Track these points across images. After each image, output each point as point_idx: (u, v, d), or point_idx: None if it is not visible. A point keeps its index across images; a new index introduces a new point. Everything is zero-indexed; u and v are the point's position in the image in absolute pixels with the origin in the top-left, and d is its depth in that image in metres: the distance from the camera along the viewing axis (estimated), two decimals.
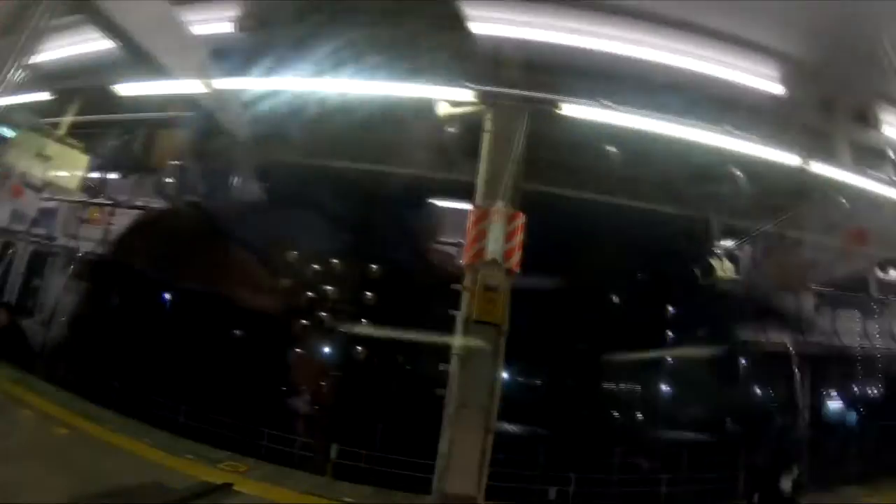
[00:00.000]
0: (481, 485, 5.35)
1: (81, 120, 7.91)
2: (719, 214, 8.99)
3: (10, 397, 9.71)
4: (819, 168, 7.60)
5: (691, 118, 6.76)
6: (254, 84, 7.21)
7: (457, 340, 5.39)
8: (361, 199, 11.63)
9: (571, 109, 6.34)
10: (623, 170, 8.32)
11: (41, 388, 11.27)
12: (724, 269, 8.56)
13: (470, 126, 6.57)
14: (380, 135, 7.97)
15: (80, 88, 7.76)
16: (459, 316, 5.45)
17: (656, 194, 9.07)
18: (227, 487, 7.69)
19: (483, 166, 5.88)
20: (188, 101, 7.83)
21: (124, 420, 10.60)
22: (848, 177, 7.89)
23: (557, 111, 6.29)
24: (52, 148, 7.34)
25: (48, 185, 7.62)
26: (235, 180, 10.21)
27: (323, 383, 13.28)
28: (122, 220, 13.10)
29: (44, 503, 5.49)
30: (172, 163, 9.80)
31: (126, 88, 7.75)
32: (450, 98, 6.33)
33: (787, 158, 7.43)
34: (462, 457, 5.17)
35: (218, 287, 10.17)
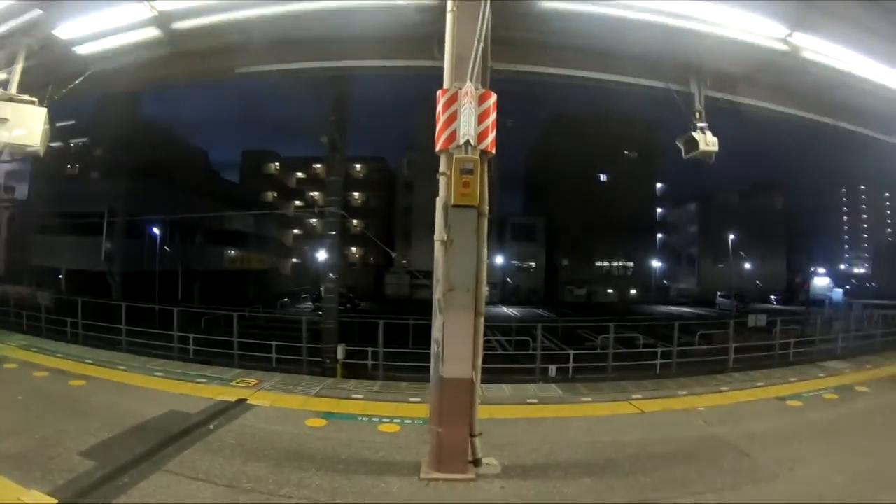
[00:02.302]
0: (476, 366, 5.53)
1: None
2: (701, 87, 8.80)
3: (22, 363, 10.17)
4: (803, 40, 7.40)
5: None
6: None
7: (438, 225, 5.41)
8: None
9: None
10: (598, 44, 8.11)
11: (50, 348, 11.69)
12: (707, 142, 8.46)
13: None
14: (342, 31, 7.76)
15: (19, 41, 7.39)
16: (439, 201, 5.43)
17: (635, 68, 8.88)
18: (240, 403, 8.11)
19: (449, 48, 5.66)
20: None
21: (134, 359, 11.05)
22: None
23: None
24: (6, 108, 7.09)
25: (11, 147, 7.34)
26: None
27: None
28: None
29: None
30: None
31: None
32: None
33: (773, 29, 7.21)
34: (454, 340, 5.31)
35: None
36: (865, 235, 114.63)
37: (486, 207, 5.44)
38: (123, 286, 32.15)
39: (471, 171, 5.11)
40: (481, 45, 5.46)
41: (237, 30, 8.00)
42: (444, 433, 5.40)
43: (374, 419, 7.52)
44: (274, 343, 14.40)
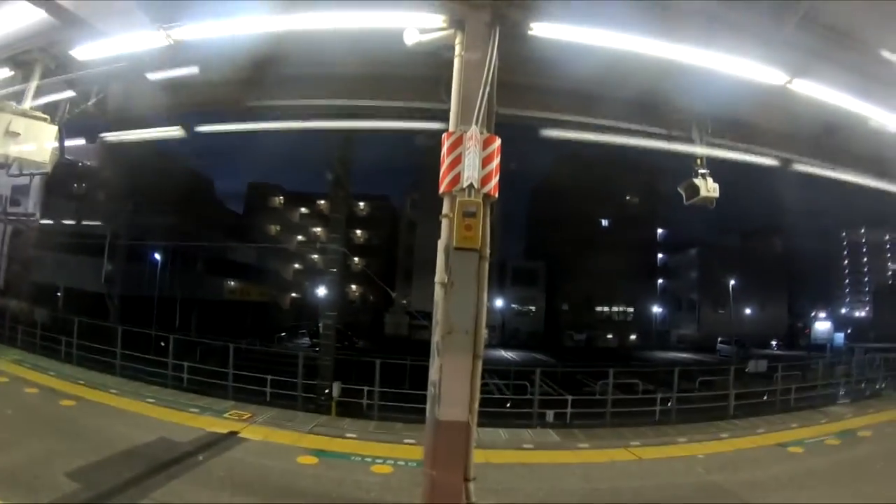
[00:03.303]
0: (473, 409, 5.47)
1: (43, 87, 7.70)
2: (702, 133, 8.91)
3: (14, 377, 10.27)
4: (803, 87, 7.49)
5: (670, 38, 6.62)
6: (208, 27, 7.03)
7: (439, 268, 5.42)
8: None
9: (544, 29, 6.16)
10: (600, 90, 8.25)
11: (43, 365, 11.68)
12: (708, 188, 8.54)
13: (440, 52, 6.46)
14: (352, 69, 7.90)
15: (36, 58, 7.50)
16: (440, 243, 5.46)
17: (635, 114, 9.01)
18: (232, 435, 8.06)
19: (455, 91, 5.76)
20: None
21: (127, 384, 11.02)
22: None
23: (530, 31, 6.14)
24: (19, 123, 7.11)
25: (21, 162, 7.38)
26: None
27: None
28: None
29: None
30: None
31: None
32: (418, 25, 6.13)
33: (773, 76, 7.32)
34: (451, 383, 5.27)
35: None
36: (866, 279, 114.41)
37: (488, 251, 5.45)
38: (121, 309, 32.08)
39: (473, 215, 5.14)
40: (487, 89, 5.56)
41: (250, 62, 8.10)
42: (437, 476, 5.30)
43: (367, 459, 7.46)
44: (269, 377, 14.28)
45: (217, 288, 44.65)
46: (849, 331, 49.27)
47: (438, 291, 5.38)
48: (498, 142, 5.54)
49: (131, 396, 9.84)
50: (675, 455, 8.56)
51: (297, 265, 66.12)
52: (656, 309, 65.50)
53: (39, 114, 7.36)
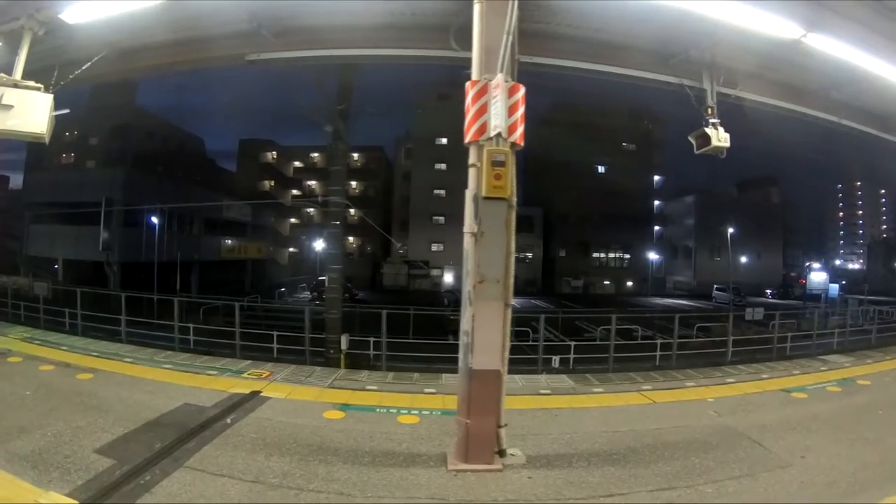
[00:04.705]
0: (504, 357, 5.56)
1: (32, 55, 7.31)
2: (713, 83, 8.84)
3: (26, 356, 9.95)
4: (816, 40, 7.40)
5: None
6: None
7: (467, 217, 5.41)
8: None
9: None
10: (615, 38, 8.15)
11: (52, 340, 11.62)
12: (719, 138, 8.51)
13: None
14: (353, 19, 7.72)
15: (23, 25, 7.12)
16: (468, 193, 5.43)
17: (650, 62, 8.91)
18: (254, 395, 8.05)
19: (477, 40, 5.65)
20: None
21: (140, 350, 10.95)
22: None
23: None
24: (11, 95, 6.76)
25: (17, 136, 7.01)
26: None
27: None
28: None
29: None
30: None
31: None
32: None
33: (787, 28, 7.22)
34: (484, 332, 5.33)
35: None
36: (861, 232, 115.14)
37: (515, 199, 5.45)
38: (121, 275, 32.04)
39: (502, 164, 5.12)
40: (511, 37, 5.45)
41: (248, 15, 7.92)
42: (472, 424, 5.42)
43: (391, 410, 7.53)
44: (275, 333, 14.32)
45: (214, 247, 44.49)
46: (843, 283, 49.84)
47: (468, 241, 5.38)
48: (523, 90, 5.47)
49: (146, 364, 9.70)
50: (685, 399, 8.73)
51: (293, 220, 65.97)
52: (653, 256, 65.86)
53: (32, 83, 6.98)
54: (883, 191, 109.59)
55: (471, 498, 5.08)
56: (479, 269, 5.30)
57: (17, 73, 7.03)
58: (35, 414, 6.71)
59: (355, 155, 62.95)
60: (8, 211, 39.08)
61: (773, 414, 7.90)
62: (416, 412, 7.42)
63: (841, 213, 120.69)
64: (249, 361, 10.58)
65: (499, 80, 5.22)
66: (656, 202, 68.47)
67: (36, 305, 17.57)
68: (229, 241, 47.18)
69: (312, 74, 13.65)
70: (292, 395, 8.21)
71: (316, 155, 64.79)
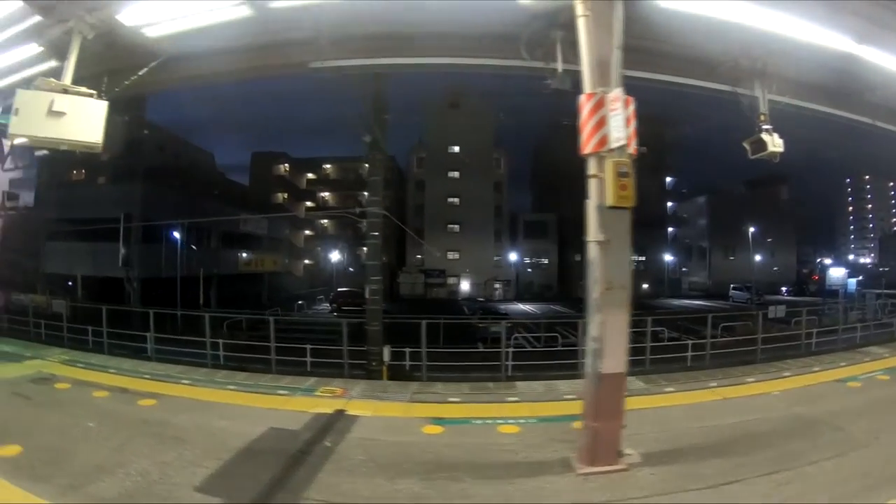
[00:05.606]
0: (626, 360, 5.70)
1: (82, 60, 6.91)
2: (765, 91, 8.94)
3: (74, 381, 9.29)
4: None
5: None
6: None
7: (592, 227, 5.51)
8: None
9: None
10: (689, 51, 8.29)
11: (96, 362, 10.87)
12: (774, 143, 8.65)
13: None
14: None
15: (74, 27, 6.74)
16: (591, 203, 5.54)
17: (702, 72, 9.00)
18: (340, 414, 7.71)
19: (586, 53, 5.77)
20: None
21: (195, 371, 10.56)
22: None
23: None
24: (62, 101, 6.31)
25: (71, 145, 6.54)
26: None
27: None
28: None
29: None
30: None
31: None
32: None
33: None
34: (612, 337, 5.44)
35: None
36: (871, 226, 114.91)
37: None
38: (141, 292, 32.12)
39: (627, 174, 5.25)
40: (619, 51, 5.59)
41: (317, 20, 7.62)
42: (600, 427, 5.52)
43: (487, 421, 7.50)
44: (308, 346, 14.21)
45: (232, 261, 44.66)
46: (860, 277, 49.91)
47: (594, 249, 5.51)
48: (634, 103, 5.58)
49: (206, 385, 9.20)
50: (752, 394, 8.94)
51: (307, 231, 66.12)
52: (667, 257, 65.86)
53: (84, 89, 6.54)
54: (892, 183, 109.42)
55: (611, 498, 5.19)
56: (607, 276, 5.42)
57: (67, 79, 6.61)
58: (108, 449, 6.05)
59: (367, 165, 62.97)
60: (21, 227, 38.92)
61: (836, 402, 8.23)
62: (511, 422, 7.43)
63: (850, 208, 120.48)
64: (315, 378, 10.24)
65: (617, 94, 5.35)
66: (669, 203, 68.55)
67: (59, 324, 17.27)
68: (245, 255, 47.40)
69: (355, 85, 13.69)
70: (379, 411, 7.98)
71: (328, 166, 65.06)
